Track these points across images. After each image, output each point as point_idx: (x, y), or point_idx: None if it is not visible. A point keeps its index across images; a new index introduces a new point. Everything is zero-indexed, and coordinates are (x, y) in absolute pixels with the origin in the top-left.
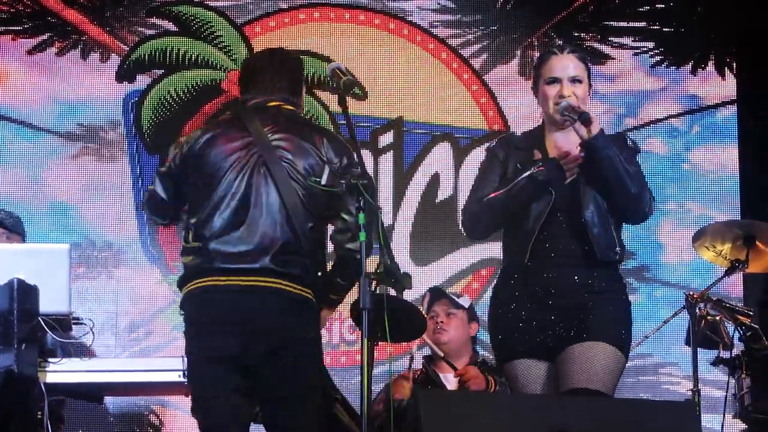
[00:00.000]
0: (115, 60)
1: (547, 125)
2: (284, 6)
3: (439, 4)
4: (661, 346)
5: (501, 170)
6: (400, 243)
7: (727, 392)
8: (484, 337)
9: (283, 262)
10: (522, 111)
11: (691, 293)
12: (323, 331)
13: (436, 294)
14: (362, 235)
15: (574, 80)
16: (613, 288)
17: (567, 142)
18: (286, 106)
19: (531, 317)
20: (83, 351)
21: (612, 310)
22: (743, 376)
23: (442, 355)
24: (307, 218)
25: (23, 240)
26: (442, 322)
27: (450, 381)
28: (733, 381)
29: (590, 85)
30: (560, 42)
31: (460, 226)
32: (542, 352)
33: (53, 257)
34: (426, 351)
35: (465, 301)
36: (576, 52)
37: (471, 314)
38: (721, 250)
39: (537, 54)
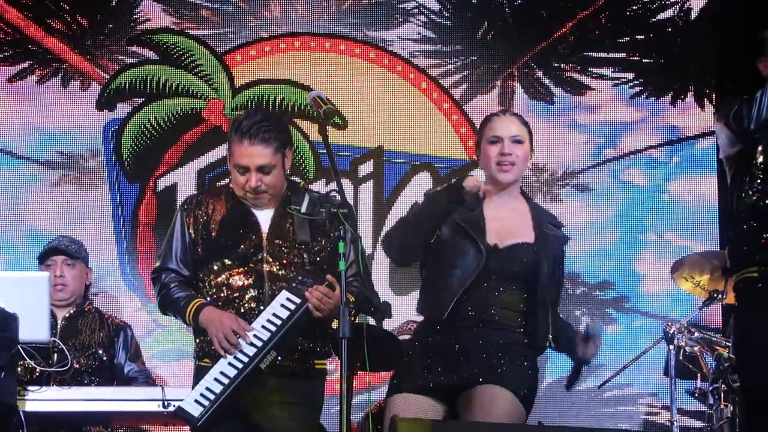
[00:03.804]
0: (95, 88)
1: (491, 185)
2: (265, 35)
3: (419, 34)
4: (639, 377)
5: None
6: (380, 272)
7: (705, 422)
8: None
9: None
10: None
11: (669, 324)
12: None
13: None
14: (341, 264)
15: (515, 140)
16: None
17: (504, 205)
18: None
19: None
20: (149, 379)
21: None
22: (721, 406)
23: None
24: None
25: (86, 265)
26: None
27: None
28: (711, 411)
29: (532, 149)
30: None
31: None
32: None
33: (33, 286)
34: None
35: None
36: (517, 115)
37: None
38: (700, 281)
39: (517, 84)
